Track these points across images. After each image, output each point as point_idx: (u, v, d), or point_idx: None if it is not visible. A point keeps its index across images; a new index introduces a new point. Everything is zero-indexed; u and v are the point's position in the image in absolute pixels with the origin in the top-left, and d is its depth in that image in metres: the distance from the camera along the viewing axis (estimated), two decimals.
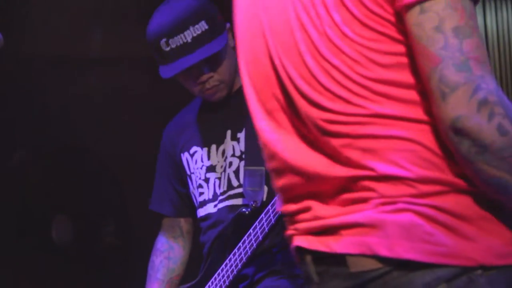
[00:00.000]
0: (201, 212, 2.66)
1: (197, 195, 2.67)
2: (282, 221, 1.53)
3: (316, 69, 1.33)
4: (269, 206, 2.40)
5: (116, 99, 4.39)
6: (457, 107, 1.22)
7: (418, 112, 1.27)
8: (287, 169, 1.38)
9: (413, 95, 1.27)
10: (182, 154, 2.70)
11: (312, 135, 1.34)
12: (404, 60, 1.27)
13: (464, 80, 1.22)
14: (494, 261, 1.27)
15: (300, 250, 1.39)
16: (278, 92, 1.40)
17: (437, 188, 1.26)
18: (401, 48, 1.27)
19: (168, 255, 2.80)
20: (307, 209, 1.37)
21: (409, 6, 1.24)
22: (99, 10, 4.93)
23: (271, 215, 2.37)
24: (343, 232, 1.31)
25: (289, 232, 1.42)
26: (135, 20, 3.79)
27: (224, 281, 2.55)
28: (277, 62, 1.38)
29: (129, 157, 4.41)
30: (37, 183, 4.47)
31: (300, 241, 1.39)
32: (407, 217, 1.26)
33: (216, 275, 2.58)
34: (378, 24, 1.28)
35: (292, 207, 1.40)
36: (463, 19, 1.25)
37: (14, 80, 4.30)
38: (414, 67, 1.27)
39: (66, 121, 4.59)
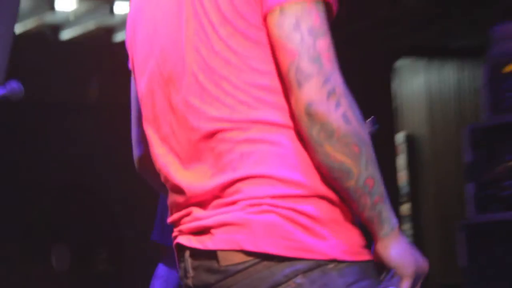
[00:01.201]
0: None
1: None
2: None
3: (207, 83, 1.40)
4: None
5: (111, 140, 4.60)
6: (310, 94, 1.33)
7: (288, 118, 1.36)
8: (175, 188, 1.46)
9: (283, 101, 1.36)
10: None
11: (198, 152, 1.41)
12: (276, 66, 1.38)
13: (317, 72, 1.33)
14: (344, 257, 1.37)
15: (181, 247, 1.46)
16: (171, 117, 1.47)
17: (299, 192, 1.35)
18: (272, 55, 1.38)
19: (167, 279, 3.13)
20: (188, 214, 1.44)
21: (271, 9, 1.34)
22: (98, 62, 5.17)
23: None
24: (216, 231, 1.38)
25: (174, 234, 1.50)
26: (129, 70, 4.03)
27: None
28: (170, 87, 1.46)
29: (124, 193, 4.67)
30: (40, 217, 4.74)
31: (181, 239, 1.46)
32: (270, 218, 1.35)
33: None
34: (256, 34, 1.37)
35: (177, 215, 1.47)
36: (317, 22, 1.35)
37: (18, 124, 4.55)
38: (275, 69, 1.38)
39: (66, 160, 4.84)
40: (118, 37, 5.33)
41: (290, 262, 1.36)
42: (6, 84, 2.19)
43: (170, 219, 1.50)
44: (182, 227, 1.46)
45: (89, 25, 5.24)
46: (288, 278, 1.36)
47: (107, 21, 5.23)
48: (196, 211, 1.42)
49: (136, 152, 1.69)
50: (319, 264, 1.36)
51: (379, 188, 1.38)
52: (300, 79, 1.35)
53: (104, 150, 4.90)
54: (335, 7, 1.39)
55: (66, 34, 5.38)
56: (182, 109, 1.42)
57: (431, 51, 5.69)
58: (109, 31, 5.35)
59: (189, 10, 1.43)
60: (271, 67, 1.38)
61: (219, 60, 1.39)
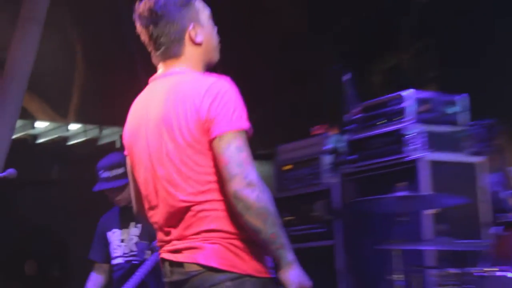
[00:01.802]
0: (114, 262, 3.90)
1: (112, 252, 3.89)
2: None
3: (175, 175, 2.13)
4: (148, 259, 3.68)
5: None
6: (236, 185, 2.03)
7: (221, 195, 2.11)
8: (162, 231, 2.25)
9: (218, 187, 2.11)
10: (107, 232, 3.93)
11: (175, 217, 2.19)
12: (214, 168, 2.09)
13: (240, 172, 2.04)
14: (256, 273, 2.11)
15: (164, 259, 2.21)
16: (153, 194, 2.20)
17: (233, 236, 2.10)
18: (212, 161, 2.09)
19: (96, 282, 4.00)
20: (169, 242, 2.20)
21: (214, 137, 2.07)
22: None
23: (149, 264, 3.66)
24: (184, 251, 2.13)
25: (161, 251, 2.22)
26: None
27: None
28: (156, 173, 2.18)
29: (72, 229, 6.58)
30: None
31: (164, 255, 2.20)
32: (216, 246, 2.11)
33: None
34: (206, 150, 2.10)
35: (163, 243, 2.24)
36: (240, 142, 2.07)
37: None
38: (218, 170, 2.07)
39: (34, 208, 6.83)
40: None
41: (224, 273, 2.09)
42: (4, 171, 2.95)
43: (158, 244, 2.26)
44: (164, 248, 2.21)
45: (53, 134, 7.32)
46: (221, 282, 2.09)
47: (64, 133, 7.36)
48: (175, 241, 2.17)
49: (135, 207, 2.37)
50: (241, 276, 2.09)
51: (280, 239, 2.07)
52: (230, 176, 2.05)
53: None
54: (250, 133, 2.11)
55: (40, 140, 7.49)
56: (161, 189, 2.18)
57: None
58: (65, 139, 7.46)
59: (166, 138, 2.15)
60: (215, 169, 2.10)
61: (187, 166, 2.13)
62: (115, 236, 3.86)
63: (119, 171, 3.71)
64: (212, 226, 2.10)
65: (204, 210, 2.11)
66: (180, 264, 2.13)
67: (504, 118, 5.78)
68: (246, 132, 2.10)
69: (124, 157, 2.39)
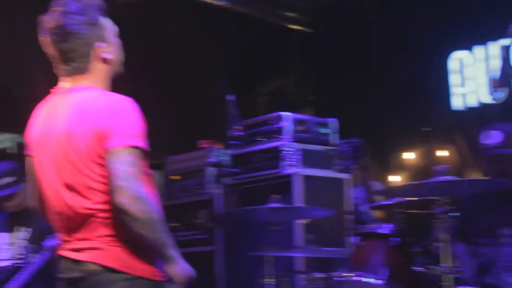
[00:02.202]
0: (1, 264, 3.86)
1: (0, 255, 3.91)
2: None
3: (79, 185, 2.24)
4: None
5: None
6: (123, 199, 2.15)
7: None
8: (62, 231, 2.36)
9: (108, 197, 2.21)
10: None
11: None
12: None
13: (128, 185, 2.14)
14: (149, 276, 2.26)
15: (62, 257, 2.29)
16: (57, 201, 2.29)
17: (128, 240, 2.22)
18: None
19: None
20: (69, 241, 2.30)
21: (107, 151, 2.17)
22: None
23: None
24: (85, 251, 2.24)
25: (60, 249, 2.31)
26: None
27: None
28: (60, 182, 2.26)
29: None
30: None
31: (63, 253, 2.29)
32: (116, 249, 2.23)
33: None
34: (103, 160, 2.19)
35: (63, 241, 2.33)
36: (132, 158, 2.16)
37: None
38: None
39: None
40: None
41: (120, 273, 2.23)
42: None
43: (58, 242, 2.33)
44: (64, 246, 2.31)
45: None
46: (117, 281, 2.22)
47: None
48: (76, 241, 2.27)
49: (33, 205, 2.42)
50: (136, 277, 2.24)
51: (165, 241, 2.21)
52: (118, 189, 2.15)
53: None
54: (146, 150, 2.23)
55: None
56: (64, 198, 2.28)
57: None
58: None
59: (70, 150, 2.24)
60: (105, 178, 2.20)
61: (89, 178, 2.23)
62: (2, 239, 3.92)
63: (8, 180, 3.72)
64: (113, 232, 2.25)
65: (105, 217, 2.26)
66: (79, 263, 2.26)
67: (368, 139, 6.31)
68: (141, 149, 2.20)
69: (14, 166, 2.49)
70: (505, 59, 2.86)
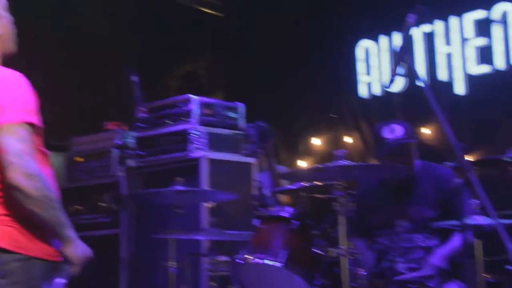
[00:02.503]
0: None
1: None
2: None
3: None
4: None
5: None
6: (16, 175, 2.09)
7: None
8: None
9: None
10: None
11: None
12: None
13: (20, 161, 2.08)
14: (44, 256, 2.20)
15: None
16: None
17: (21, 218, 2.17)
18: None
19: None
20: None
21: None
22: None
23: None
24: None
25: None
26: None
27: None
28: None
29: None
30: None
31: None
32: (8, 228, 2.17)
33: None
34: None
35: None
36: (24, 134, 2.11)
37: None
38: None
39: None
40: None
41: (13, 253, 2.16)
42: None
43: None
44: None
45: None
46: (9, 262, 2.15)
47: None
48: None
49: None
50: (30, 258, 2.18)
51: (60, 220, 2.18)
52: (9, 165, 2.08)
53: None
54: (39, 126, 2.17)
55: None
56: None
57: None
58: None
59: None
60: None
61: None
62: None
63: None
64: (5, 211, 2.18)
65: None
66: None
67: (278, 125, 6.35)
68: (33, 125, 2.15)
69: None
70: (402, 48, 2.89)
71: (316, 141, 6.69)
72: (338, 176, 3.31)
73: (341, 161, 3.30)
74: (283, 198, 5.17)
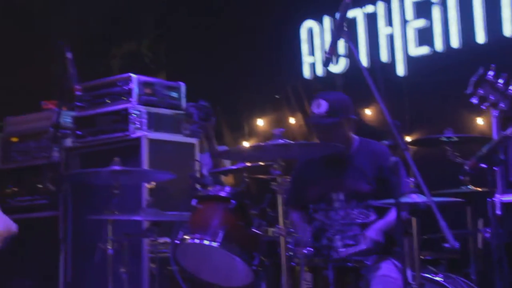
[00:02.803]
0: None
1: None
2: None
3: None
4: None
5: None
6: None
7: None
8: None
9: None
10: None
11: None
12: None
13: None
14: None
15: None
16: None
17: None
18: None
19: None
20: None
21: None
22: None
23: None
24: None
25: None
26: None
27: None
28: None
29: None
30: None
31: None
32: None
33: None
34: None
35: None
36: None
37: None
38: None
39: None
40: None
41: None
42: None
43: None
44: None
45: None
46: None
47: None
48: None
49: None
50: None
51: None
52: None
53: None
54: None
55: None
56: None
57: None
58: None
59: None
60: None
61: None
62: None
63: None
64: None
65: None
66: None
67: (223, 105, 6.30)
68: None
69: None
70: (337, 28, 2.87)
71: (261, 122, 6.64)
72: (276, 155, 3.28)
73: (279, 140, 3.27)
74: (226, 179, 5.15)
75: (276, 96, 6.55)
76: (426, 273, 3.78)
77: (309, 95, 6.18)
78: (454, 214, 4.42)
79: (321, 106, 3.67)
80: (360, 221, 3.66)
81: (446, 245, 2.64)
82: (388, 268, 3.45)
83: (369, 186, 3.65)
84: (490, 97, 2.46)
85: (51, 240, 4.80)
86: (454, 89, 4.30)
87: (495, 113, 3.66)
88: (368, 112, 5.78)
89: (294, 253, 3.23)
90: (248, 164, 3.98)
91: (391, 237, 3.56)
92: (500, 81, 2.47)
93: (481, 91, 2.48)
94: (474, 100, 2.52)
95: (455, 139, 4.28)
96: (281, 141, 3.25)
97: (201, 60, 6.80)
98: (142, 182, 4.55)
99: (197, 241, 3.45)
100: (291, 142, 3.28)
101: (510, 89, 2.44)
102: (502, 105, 2.46)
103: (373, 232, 3.56)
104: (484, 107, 2.53)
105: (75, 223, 4.88)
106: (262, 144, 3.25)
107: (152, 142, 4.77)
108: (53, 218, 4.95)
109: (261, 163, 3.89)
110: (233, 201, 3.52)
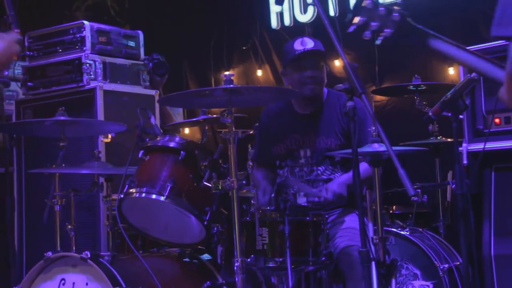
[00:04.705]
0: None
1: None
2: None
3: None
4: None
5: None
6: None
7: None
8: None
9: None
10: None
11: None
12: None
13: None
14: None
15: None
16: None
17: None
18: None
19: None
20: None
21: None
22: None
23: None
24: None
25: None
26: None
27: None
28: None
29: None
30: None
31: None
32: None
33: None
34: None
35: None
36: None
37: None
38: None
39: None
40: None
41: None
42: None
43: None
44: None
45: None
46: None
47: None
48: None
49: None
50: None
51: None
52: None
53: None
54: None
55: None
56: None
57: None
58: None
59: None
60: None
61: None
62: None
63: None
64: None
65: None
66: None
67: (189, 57, 5.93)
68: None
69: None
70: None
71: (230, 74, 6.25)
72: (225, 101, 2.91)
73: (229, 85, 2.90)
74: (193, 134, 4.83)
75: (243, 48, 6.16)
76: (393, 227, 3.59)
77: (277, 45, 5.82)
78: (424, 167, 4.17)
79: (306, 43, 3.39)
80: (325, 177, 3.42)
81: (414, 198, 2.32)
82: (352, 221, 3.24)
83: (337, 142, 3.42)
84: (371, 23, 2.20)
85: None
86: (423, 38, 4.01)
87: None
88: (337, 63, 5.40)
89: (249, 208, 2.95)
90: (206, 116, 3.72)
91: (354, 191, 3.25)
92: (381, 8, 2.21)
93: (361, 19, 2.21)
94: (351, 29, 2.26)
95: (423, 87, 4.00)
96: (231, 86, 2.88)
97: (166, 12, 6.39)
98: (96, 135, 4.16)
99: (143, 195, 3.10)
100: (240, 86, 2.91)
101: (395, 15, 2.20)
102: (387, 30, 2.23)
103: (335, 185, 3.31)
104: (367, 36, 2.25)
105: (26, 179, 4.52)
106: (208, 88, 2.87)
107: (108, 93, 4.38)
108: (4, 175, 4.57)
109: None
110: (182, 152, 3.14)
